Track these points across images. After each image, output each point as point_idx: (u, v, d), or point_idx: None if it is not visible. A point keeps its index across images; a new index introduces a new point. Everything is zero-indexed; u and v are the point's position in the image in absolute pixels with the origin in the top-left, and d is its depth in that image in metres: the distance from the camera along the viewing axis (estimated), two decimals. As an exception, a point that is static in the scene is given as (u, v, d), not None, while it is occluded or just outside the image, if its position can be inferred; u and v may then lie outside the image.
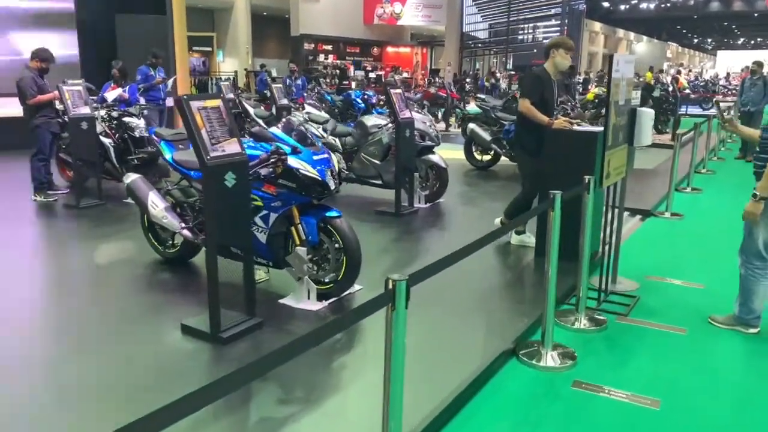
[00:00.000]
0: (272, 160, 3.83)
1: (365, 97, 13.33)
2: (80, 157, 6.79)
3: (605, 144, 3.89)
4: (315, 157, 3.98)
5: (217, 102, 3.34)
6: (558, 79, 5.23)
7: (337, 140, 7.41)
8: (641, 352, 3.70)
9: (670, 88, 14.00)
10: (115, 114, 7.35)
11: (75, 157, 6.80)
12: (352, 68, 30.05)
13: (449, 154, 8.87)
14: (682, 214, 6.94)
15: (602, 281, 4.48)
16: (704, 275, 4.94)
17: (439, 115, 16.20)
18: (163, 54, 9.41)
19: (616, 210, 4.57)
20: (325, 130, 7.50)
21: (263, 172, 3.88)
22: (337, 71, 28.58)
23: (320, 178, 3.90)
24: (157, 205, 4.46)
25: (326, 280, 4.08)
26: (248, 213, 3.57)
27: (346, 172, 7.34)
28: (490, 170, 9.42)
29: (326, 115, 9.30)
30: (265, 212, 4.00)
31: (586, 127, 5.46)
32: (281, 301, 4.01)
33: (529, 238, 5.34)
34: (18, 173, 8.01)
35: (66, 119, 6.74)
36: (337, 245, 4.00)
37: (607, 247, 4.47)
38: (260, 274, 4.36)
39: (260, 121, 10.07)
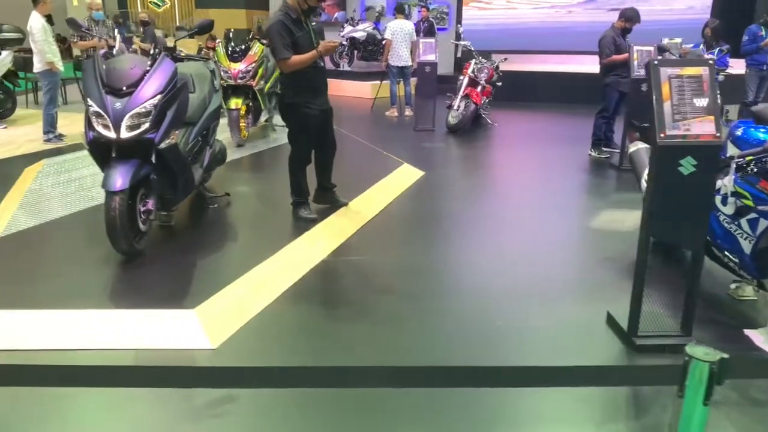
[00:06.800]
0: None
1: None
2: (632, 120, 6.49)
3: None
4: None
5: None
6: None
7: None
8: None
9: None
10: None
11: (628, 118, 6.61)
12: None
13: None
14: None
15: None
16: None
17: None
18: None
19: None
20: None
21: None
22: None
23: None
24: None
25: None
26: None
27: None
28: None
29: None
30: (754, 215, 3.14)
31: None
32: (747, 332, 3.10)
33: None
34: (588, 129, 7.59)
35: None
36: None
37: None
38: (747, 290, 3.52)
39: None
